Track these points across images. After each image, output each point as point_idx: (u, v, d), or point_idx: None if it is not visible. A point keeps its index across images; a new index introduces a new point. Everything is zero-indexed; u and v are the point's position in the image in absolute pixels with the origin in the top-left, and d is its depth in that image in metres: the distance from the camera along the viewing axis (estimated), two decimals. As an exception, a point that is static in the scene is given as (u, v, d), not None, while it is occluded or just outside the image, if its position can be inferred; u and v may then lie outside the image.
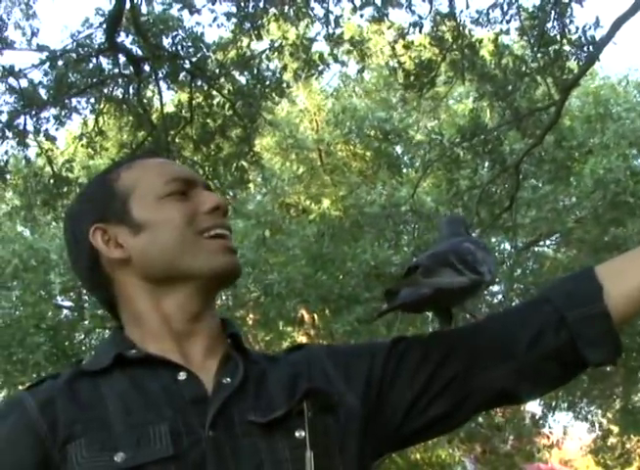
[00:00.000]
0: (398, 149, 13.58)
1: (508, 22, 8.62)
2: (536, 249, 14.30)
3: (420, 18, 8.32)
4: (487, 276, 1.27)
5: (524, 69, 8.50)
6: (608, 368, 16.73)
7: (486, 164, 9.57)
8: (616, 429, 18.17)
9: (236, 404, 1.15)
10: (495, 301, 13.87)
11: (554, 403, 17.79)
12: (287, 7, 8.44)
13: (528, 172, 10.23)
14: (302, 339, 12.52)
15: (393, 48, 8.63)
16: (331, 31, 8.50)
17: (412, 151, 12.97)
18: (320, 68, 9.12)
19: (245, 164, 9.02)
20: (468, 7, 8.40)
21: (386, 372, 1.25)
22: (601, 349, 1.18)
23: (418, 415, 1.23)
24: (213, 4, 8.44)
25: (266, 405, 1.16)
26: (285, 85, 8.87)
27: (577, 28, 8.25)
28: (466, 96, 12.24)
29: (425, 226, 11.18)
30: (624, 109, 12.12)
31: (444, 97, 11.08)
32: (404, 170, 13.04)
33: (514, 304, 11.54)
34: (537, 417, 17.65)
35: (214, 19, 8.54)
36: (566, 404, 17.82)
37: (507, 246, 13.10)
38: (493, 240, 12.09)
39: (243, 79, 8.94)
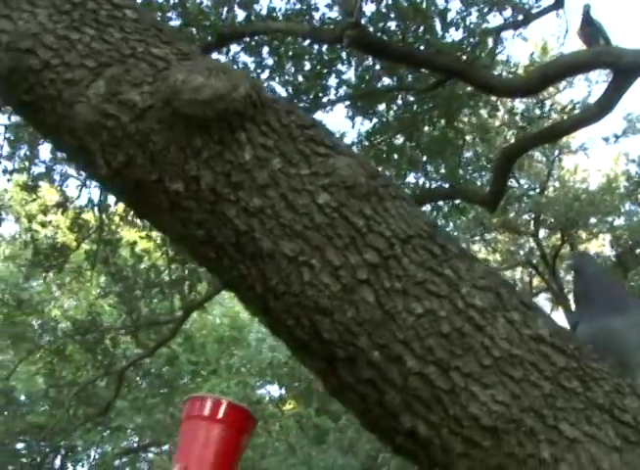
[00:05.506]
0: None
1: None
2: (148, 454, 13.93)
3: (67, 199, 8.10)
4: None
5: (156, 279, 8.43)
6: None
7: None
8: None
9: None
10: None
11: None
12: None
13: (132, 381, 9.99)
14: None
15: (30, 221, 8.26)
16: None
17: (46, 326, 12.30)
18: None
19: None
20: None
21: None
22: None
23: None
24: None
25: None
26: None
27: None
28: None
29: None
30: (257, 338, 12.37)
31: (80, 281, 10.71)
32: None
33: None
34: None
35: None
36: None
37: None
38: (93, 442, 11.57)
39: None
